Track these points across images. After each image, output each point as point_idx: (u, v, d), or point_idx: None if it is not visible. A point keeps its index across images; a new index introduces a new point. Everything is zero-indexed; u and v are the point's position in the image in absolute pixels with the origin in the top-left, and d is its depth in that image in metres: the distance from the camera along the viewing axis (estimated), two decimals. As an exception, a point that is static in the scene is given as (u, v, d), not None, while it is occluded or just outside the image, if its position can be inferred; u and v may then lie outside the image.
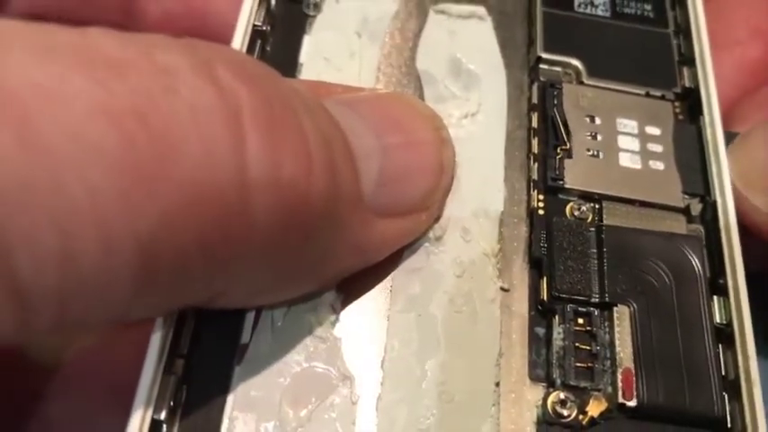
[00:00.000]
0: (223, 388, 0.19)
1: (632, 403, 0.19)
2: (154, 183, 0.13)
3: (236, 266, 0.16)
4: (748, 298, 0.20)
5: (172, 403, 0.18)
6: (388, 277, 0.21)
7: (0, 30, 0.13)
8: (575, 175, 0.23)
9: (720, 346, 0.20)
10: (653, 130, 0.24)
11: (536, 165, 0.23)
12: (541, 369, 0.20)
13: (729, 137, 0.24)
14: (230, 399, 0.19)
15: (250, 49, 0.23)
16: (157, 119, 0.14)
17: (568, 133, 0.24)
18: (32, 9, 0.25)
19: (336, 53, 0.25)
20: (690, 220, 0.23)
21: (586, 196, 0.23)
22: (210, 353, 0.19)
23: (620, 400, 0.19)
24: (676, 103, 0.25)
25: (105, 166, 0.13)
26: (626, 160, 0.23)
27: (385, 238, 0.20)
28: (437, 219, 0.22)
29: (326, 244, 0.18)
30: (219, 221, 0.14)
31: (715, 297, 0.21)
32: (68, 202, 0.13)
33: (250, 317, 0.20)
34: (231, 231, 0.15)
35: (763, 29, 0.30)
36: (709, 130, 0.24)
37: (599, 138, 0.24)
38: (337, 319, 0.20)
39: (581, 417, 0.19)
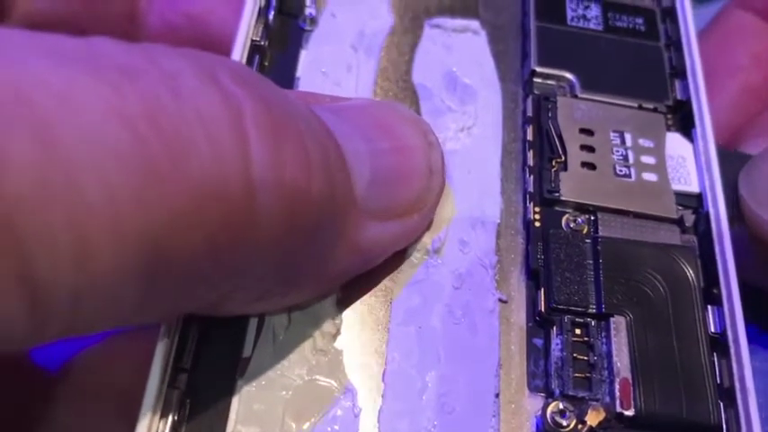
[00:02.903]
0: (226, 402, 0.19)
1: (630, 413, 0.19)
2: (166, 183, 0.14)
3: (243, 267, 0.16)
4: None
5: (175, 417, 0.18)
6: (388, 290, 0.21)
7: (13, 38, 0.14)
8: (570, 188, 0.23)
9: (715, 354, 0.21)
10: (646, 143, 0.24)
11: (531, 177, 0.24)
12: (540, 380, 0.20)
13: (741, 158, 0.25)
14: (233, 412, 0.19)
15: (249, 64, 0.24)
16: (167, 121, 0.14)
17: (563, 146, 0.24)
18: (33, 20, 0.25)
19: (333, 67, 0.25)
20: (683, 230, 0.23)
21: (582, 208, 0.23)
22: (213, 367, 0.19)
23: (618, 409, 0.19)
24: (669, 116, 0.25)
25: (120, 167, 0.13)
26: (620, 172, 0.24)
27: (380, 240, 0.20)
28: (430, 225, 0.22)
29: (326, 245, 0.18)
30: (227, 221, 0.15)
31: (709, 306, 0.21)
32: (85, 203, 0.13)
33: (252, 330, 0.20)
34: (238, 231, 0.15)
35: (764, 56, 0.31)
36: (701, 143, 0.24)
37: (593, 150, 0.24)
38: (338, 333, 0.20)
39: (580, 426, 0.19)
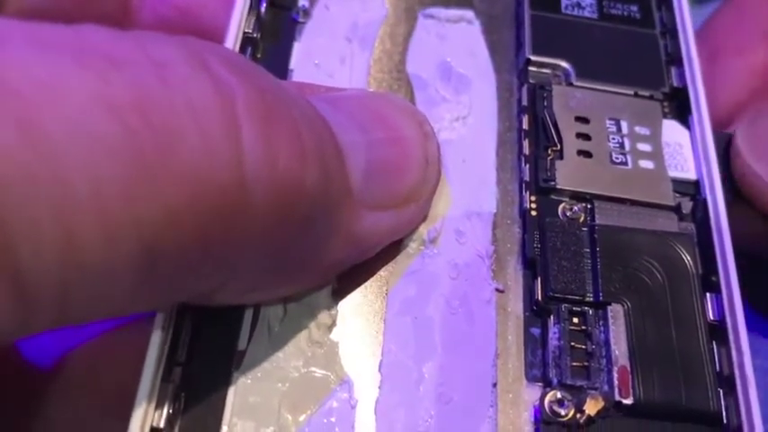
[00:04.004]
0: (221, 395, 0.19)
1: (629, 401, 0.19)
2: (155, 173, 0.14)
3: (235, 258, 0.16)
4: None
5: (170, 411, 0.18)
6: (384, 281, 0.21)
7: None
8: (566, 176, 0.23)
9: (714, 342, 0.20)
10: (642, 130, 0.24)
11: (527, 166, 0.23)
12: (538, 369, 0.20)
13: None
14: (228, 405, 0.19)
15: (241, 56, 0.23)
16: (156, 110, 0.14)
17: (559, 134, 0.24)
18: (26, 15, 0.25)
19: (327, 59, 0.25)
20: (681, 217, 0.23)
21: (578, 196, 0.23)
22: (208, 359, 0.19)
23: (617, 398, 0.19)
24: (665, 103, 0.25)
25: (107, 157, 0.13)
26: (616, 160, 0.23)
27: (376, 231, 0.20)
28: (426, 216, 0.22)
29: (320, 235, 0.18)
30: (218, 211, 0.15)
31: (708, 294, 0.21)
32: (71, 194, 0.13)
33: (247, 322, 0.20)
34: (230, 221, 0.15)
35: None
36: (697, 129, 0.24)
37: (589, 138, 0.24)
38: (334, 324, 0.20)
39: (578, 416, 0.19)
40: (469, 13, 0.27)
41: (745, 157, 0.24)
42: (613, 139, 0.24)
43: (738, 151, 0.24)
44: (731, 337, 0.20)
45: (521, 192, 0.23)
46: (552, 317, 0.21)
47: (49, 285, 0.13)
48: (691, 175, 0.24)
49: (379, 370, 0.20)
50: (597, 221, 0.22)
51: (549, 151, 0.24)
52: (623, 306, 0.20)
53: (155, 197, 0.14)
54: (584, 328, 0.20)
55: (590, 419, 0.19)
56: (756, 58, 0.29)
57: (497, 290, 0.21)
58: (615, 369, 0.20)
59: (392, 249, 0.21)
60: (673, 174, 0.23)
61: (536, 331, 0.21)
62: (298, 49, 0.25)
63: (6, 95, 0.13)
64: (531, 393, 0.20)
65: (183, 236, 0.14)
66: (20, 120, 0.12)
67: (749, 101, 0.29)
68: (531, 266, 0.22)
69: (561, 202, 0.23)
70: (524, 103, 0.25)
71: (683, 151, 0.24)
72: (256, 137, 0.15)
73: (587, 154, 0.23)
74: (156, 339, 0.18)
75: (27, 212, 0.12)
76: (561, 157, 0.23)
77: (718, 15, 0.31)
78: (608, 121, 0.24)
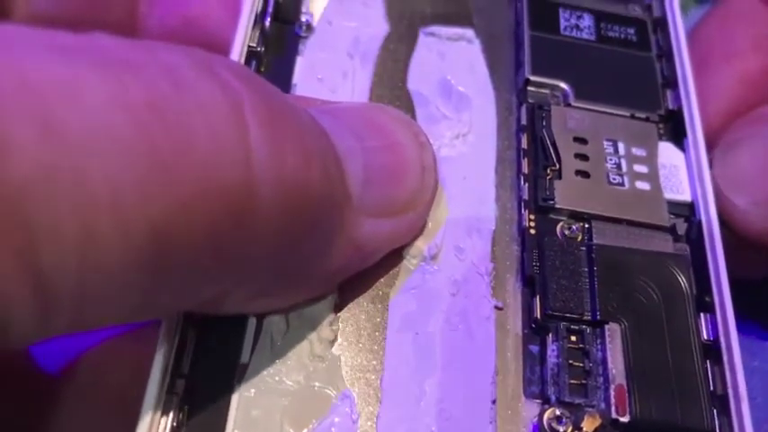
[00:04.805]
0: (224, 408, 0.19)
1: (625, 419, 0.19)
2: (169, 171, 0.14)
3: (245, 257, 0.16)
4: (742, 308, 0.21)
5: (174, 424, 0.18)
6: (385, 297, 0.21)
7: (18, 33, 0.14)
8: (564, 195, 0.23)
9: (708, 361, 0.21)
10: (639, 152, 0.25)
11: (526, 185, 0.24)
12: (536, 386, 0.21)
13: None
14: (231, 419, 0.19)
15: (245, 70, 0.24)
16: (170, 111, 0.14)
17: (557, 154, 0.24)
18: (34, 19, 0.25)
19: (329, 73, 0.25)
20: (676, 239, 0.23)
21: (576, 216, 0.23)
22: (211, 372, 0.19)
23: (614, 415, 0.20)
24: (660, 125, 0.26)
25: (124, 156, 0.13)
26: (613, 181, 0.24)
27: (377, 237, 0.20)
28: (425, 225, 0.22)
29: (324, 239, 0.18)
30: (229, 210, 0.15)
31: (702, 314, 0.21)
32: (89, 192, 0.13)
33: (250, 336, 0.20)
34: (240, 220, 0.15)
35: (764, 42, 0.30)
36: (692, 151, 0.24)
37: (587, 158, 0.24)
38: (336, 339, 0.20)
39: (576, 433, 0.19)
40: (470, 32, 0.27)
41: (721, 188, 0.24)
42: (611, 159, 0.24)
43: (714, 182, 0.24)
44: (725, 357, 0.21)
45: (520, 210, 0.24)
46: (551, 335, 0.21)
47: (68, 285, 0.13)
48: (686, 196, 0.24)
49: (381, 385, 0.20)
50: (594, 241, 0.23)
51: (548, 170, 0.24)
52: (620, 325, 0.21)
53: (169, 194, 0.14)
54: (581, 346, 0.21)
55: (587, 437, 0.19)
56: (746, 66, 0.29)
57: (496, 307, 0.22)
58: (612, 387, 0.20)
59: (393, 265, 0.22)
60: (668, 195, 0.24)
61: (535, 349, 0.21)
62: (301, 63, 0.25)
63: (29, 93, 0.13)
64: (530, 410, 0.20)
65: (196, 234, 0.15)
66: (40, 119, 0.13)
67: (739, 109, 0.29)
68: (529, 284, 0.22)
69: (559, 220, 0.23)
70: (523, 122, 0.25)
71: (679, 173, 0.24)
72: (263, 138, 0.16)
73: (585, 174, 0.24)
74: (161, 351, 0.18)
75: (49, 211, 0.13)
76: (560, 177, 0.24)
77: (705, 22, 0.31)
78: (605, 142, 0.25)
